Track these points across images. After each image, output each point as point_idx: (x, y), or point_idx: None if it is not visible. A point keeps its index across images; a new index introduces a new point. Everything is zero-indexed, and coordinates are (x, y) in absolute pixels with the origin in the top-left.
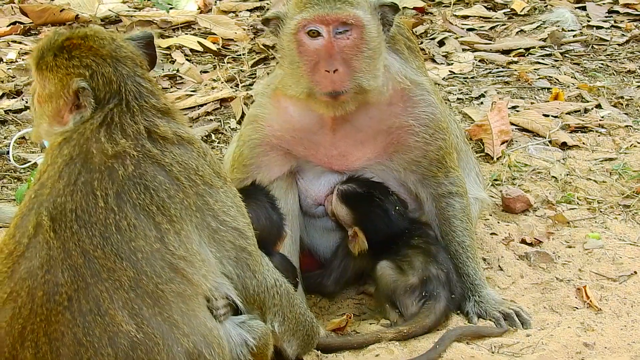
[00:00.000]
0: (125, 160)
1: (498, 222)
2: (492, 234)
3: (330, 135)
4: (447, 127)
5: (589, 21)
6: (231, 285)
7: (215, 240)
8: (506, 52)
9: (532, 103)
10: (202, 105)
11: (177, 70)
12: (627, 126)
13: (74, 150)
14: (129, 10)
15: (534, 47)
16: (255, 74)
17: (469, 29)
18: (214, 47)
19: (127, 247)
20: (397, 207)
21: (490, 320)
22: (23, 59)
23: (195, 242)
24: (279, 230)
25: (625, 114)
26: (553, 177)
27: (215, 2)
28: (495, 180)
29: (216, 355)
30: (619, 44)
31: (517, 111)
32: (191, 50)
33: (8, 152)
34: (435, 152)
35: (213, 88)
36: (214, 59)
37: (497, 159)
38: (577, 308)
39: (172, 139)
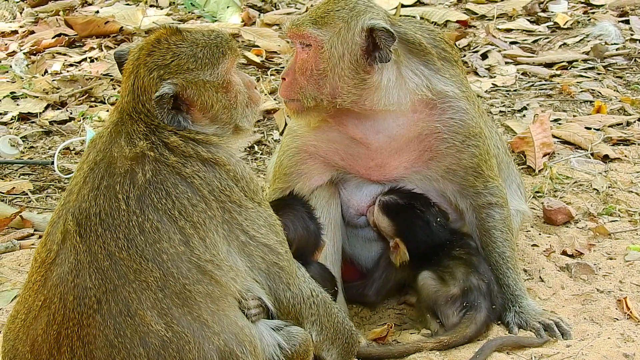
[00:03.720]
0: (144, 165)
1: (539, 234)
2: (533, 245)
3: (365, 147)
4: (481, 133)
5: (632, 35)
6: (263, 289)
7: (245, 252)
8: (549, 65)
9: (574, 116)
10: None
11: None
12: None
13: (98, 155)
14: (173, 23)
15: (576, 60)
16: None
17: (511, 42)
18: (257, 59)
19: (151, 248)
20: (439, 219)
21: (530, 330)
22: (67, 71)
23: (222, 250)
24: (317, 239)
25: None
26: (595, 189)
27: (259, 14)
28: (537, 192)
29: (248, 353)
30: None
31: (560, 124)
32: None
33: (53, 163)
34: (469, 159)
35: None
36: (258, 71)
37: (539, 171)
38: (617, 319)
39: (190, 153)
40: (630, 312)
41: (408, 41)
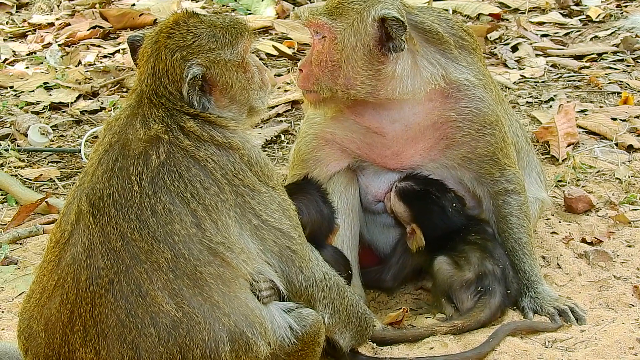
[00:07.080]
0: (158, 148)
1: (559, 222)
2: (552, 232)
3: (381, 136)
4: (497, 121)
5: None
6: (275, 272)
7: (258, 236)
8: (579, 57)
9: (601, 107)
10: (273, 107)
11: None
12: None
13: (113, 138)
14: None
15: (606, 53)
16: None
17: (543, 35)
18: (289, 51)
19: (163, 230)
20: (455, 204)
21: (545, 315)
22: (101, 62)
23: (234, 233)
24: (330, 223)
25: None
26: (617, 178)
27: (293, 7)
28: (560, 181)
29: (258, 335)
30: None
31: (586, 114)
32: (267, 54)
33: (80, 150)
34: (485, 147)
35: (286, 90)
36: (289, 62)
37: (563, 160)
38: (632, 305)
39: (205, 137)
40: None
41: (425, 30)
